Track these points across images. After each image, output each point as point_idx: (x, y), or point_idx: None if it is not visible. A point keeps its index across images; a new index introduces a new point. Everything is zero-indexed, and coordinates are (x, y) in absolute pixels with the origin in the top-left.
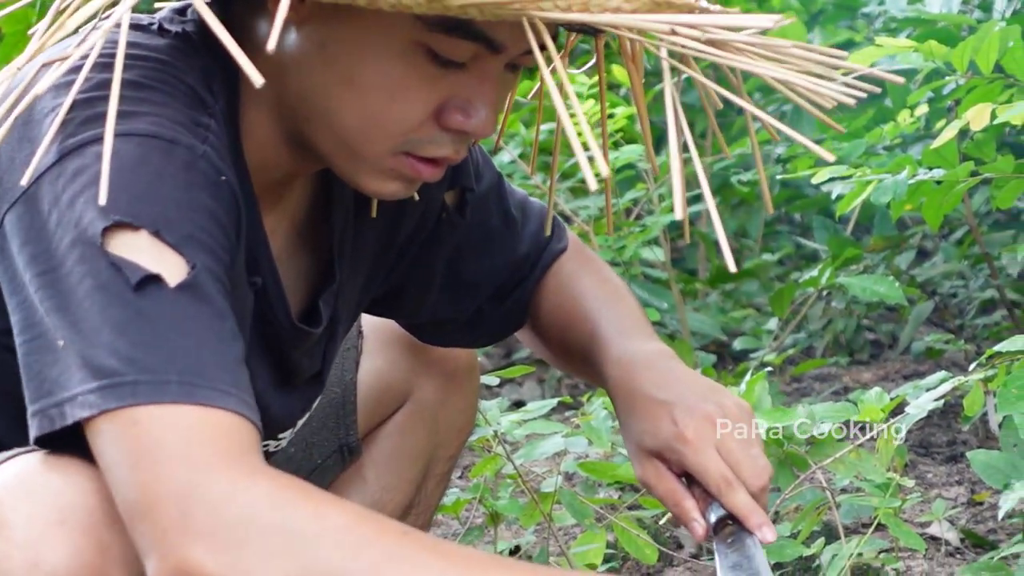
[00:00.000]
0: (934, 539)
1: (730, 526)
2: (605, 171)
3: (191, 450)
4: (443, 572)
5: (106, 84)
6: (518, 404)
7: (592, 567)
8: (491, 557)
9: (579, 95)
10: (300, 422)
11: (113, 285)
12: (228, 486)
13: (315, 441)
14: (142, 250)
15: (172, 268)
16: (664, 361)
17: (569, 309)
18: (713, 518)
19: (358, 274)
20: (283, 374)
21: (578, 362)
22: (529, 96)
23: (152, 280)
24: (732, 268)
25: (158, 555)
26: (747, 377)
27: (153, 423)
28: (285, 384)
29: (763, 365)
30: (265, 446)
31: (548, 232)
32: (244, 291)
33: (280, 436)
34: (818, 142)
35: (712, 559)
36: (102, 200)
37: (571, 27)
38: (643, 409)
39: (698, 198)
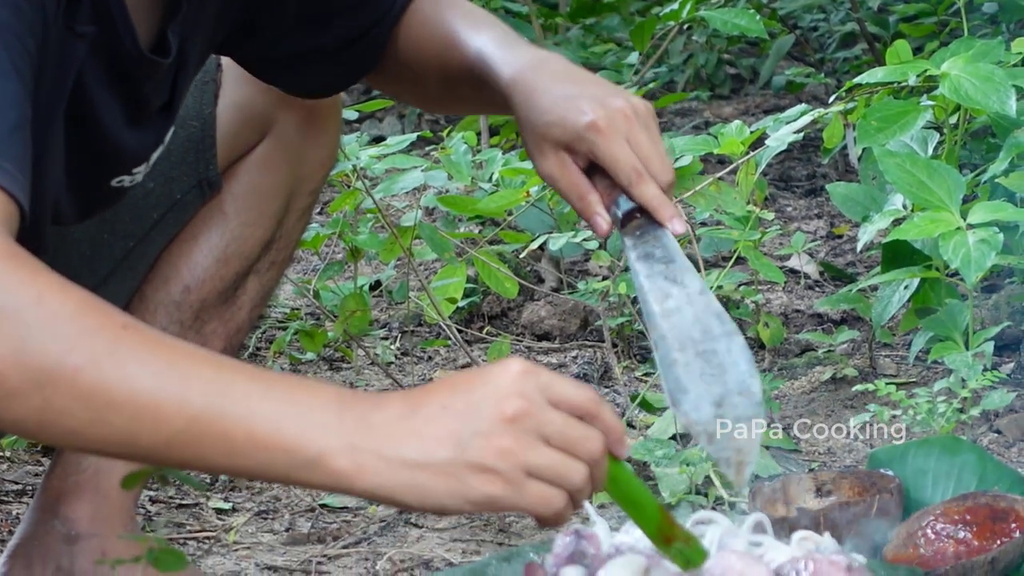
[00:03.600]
0: (793, 272)
1: (637, 219)
2: None
3: None
4: (162, 369)
5: None
6: (378, 139)
7: (452, 301)
8: (210, 355)
9: None
10: (154, 156)
11: None
12: None
13: (174, 176)
14: None
15: None
16: (561, 62)
17: (442, 38)
18: (619, 213)
19: (209, 3)
20: (133, 108)
21: (463, 85)
22: None
23: None
24: None
25: None
26: None
27: None
28: (136, 118)
29: None
30: (120, 181)
31: None
32: (63, 45)
33: (135, 171)
34: None
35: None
36: None
37: None
38: (550, 102)
39: None
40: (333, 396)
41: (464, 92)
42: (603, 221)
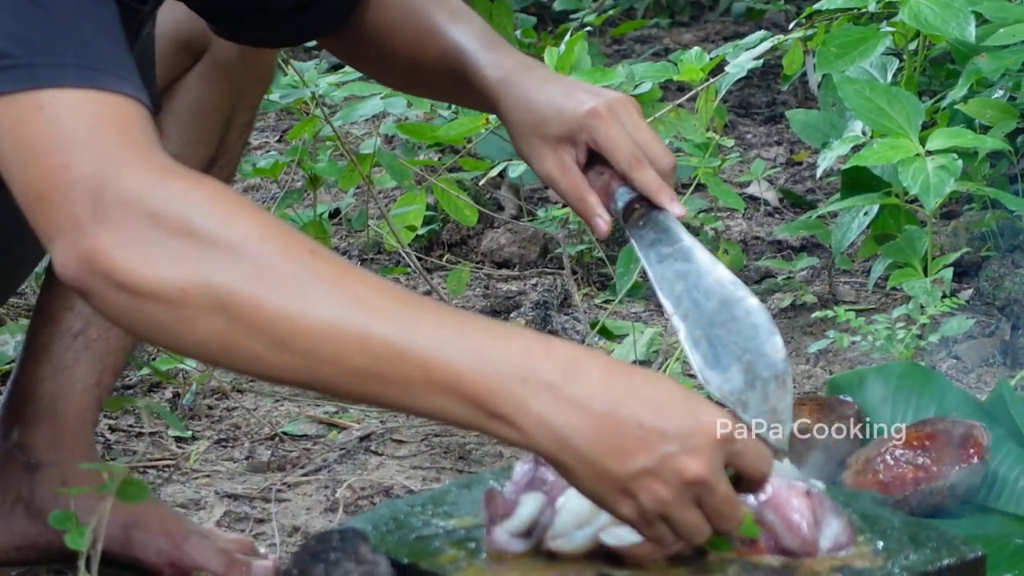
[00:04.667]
0: (753, 199)
1: (638, 209)
2: None
3: (99, 138)
4: (347, 302)
5: None
6: (336, 66)
7: (412, 228)
8: (396, 289)
9: None
10: None
11: None
12: (139, 183)
13: None
14: None
15: None
16: (546, 67)
17: (418, 24)
18: (620, 204)
19: None
20: None
21: (435, 76)
22: None
23: None
24: None
25: (67, 240)
26: (567, 38)
27: (58, 108)
28: None
29: (583, 26)
30: None
31: None
32: None
33: None
34: None
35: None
36: None
37: None
38: (546, 99)
39: None
40: (524, 353)
41: (435, 81)
42: (603, 223)
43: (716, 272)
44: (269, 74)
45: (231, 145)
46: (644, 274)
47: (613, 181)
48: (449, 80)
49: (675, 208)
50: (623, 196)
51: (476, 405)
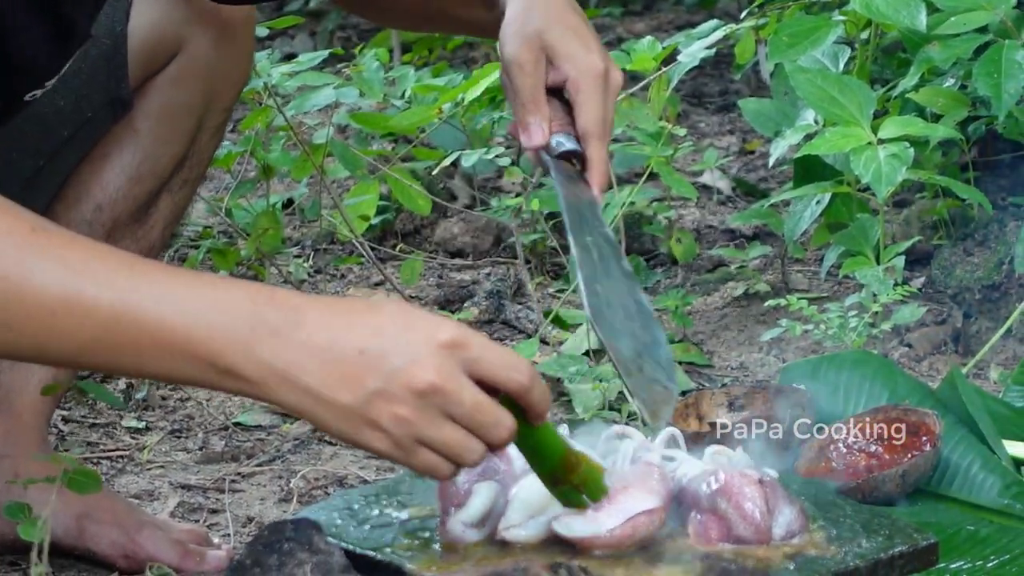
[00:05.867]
0: (706, 188)
1: (570, 164)
2: None
3: None
4: (73, 274)
5: None
6: (290, 56)
7: (365, 218)
8: (125, 257)
9: None
10: (64, 68)
11: None
12: None
13: (85, 93)
14: None
15: None
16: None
17: None
18: (559, 147)
19: None
20: (56, 28)
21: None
22: None
23: None
24: None
25: None
26: None
27: None
28: (55, 36)
29: None
30: (33, 95)
31: None
32: None
33: (46, 84)
34: None
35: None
36: None
37: None
38: (557, 12)
39: None
40: (248, 304)
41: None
42: (542, 135)
43: (629, 284)
44: (244, 76)
45: (202, 146)
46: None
47: (564, 122)
48: (462, 6)
49: (596, 192)
50: (567, 143)
51: (207, 363)
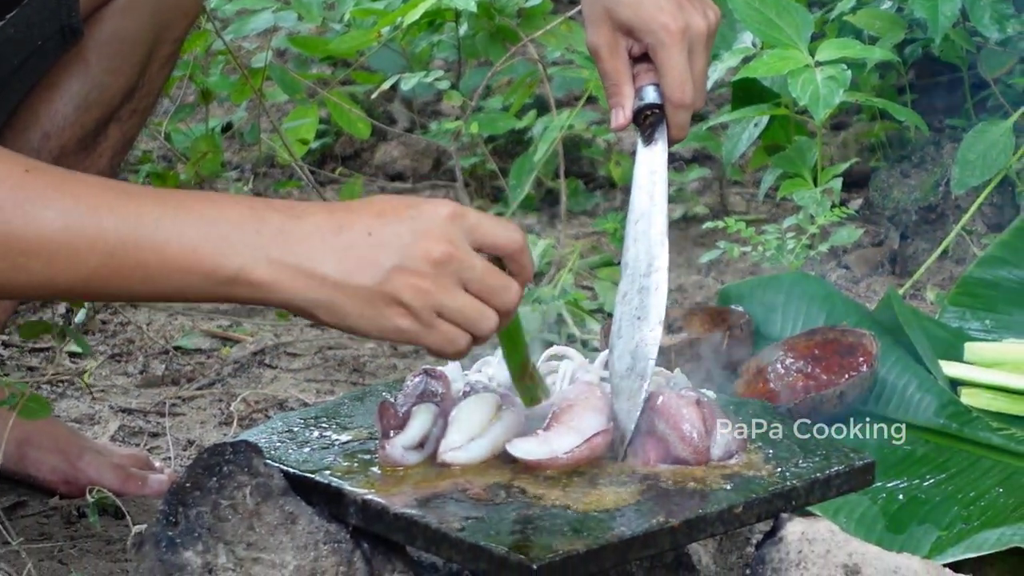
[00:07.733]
0: None
1: (652, 115)
2: None
3: None
4: (71, 208)
5: None
6: None
7: (305, 142)
8: (118, 185)
9: None
10: None
11: None
12: None
13: (35, 22)
14: None
15: None
16: None
17: None
18: (643, 102)
19: None
20: None
21: None
22: None
23: None
24: None
25: None
26: None
27: None
28: None
29: None
30: None
31: None
32: None
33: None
34: None
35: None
36: None
37: None
38: None
39: None
40: (247, 210)
41: None
42: (623, 118)
43: (661, 223)
44: (195, 6)
45: (152, 77)
46: (536, 185)
47: (645, 75)
48: None
49: (662, 161)
50: (650, 95)
51: (216, 274)
